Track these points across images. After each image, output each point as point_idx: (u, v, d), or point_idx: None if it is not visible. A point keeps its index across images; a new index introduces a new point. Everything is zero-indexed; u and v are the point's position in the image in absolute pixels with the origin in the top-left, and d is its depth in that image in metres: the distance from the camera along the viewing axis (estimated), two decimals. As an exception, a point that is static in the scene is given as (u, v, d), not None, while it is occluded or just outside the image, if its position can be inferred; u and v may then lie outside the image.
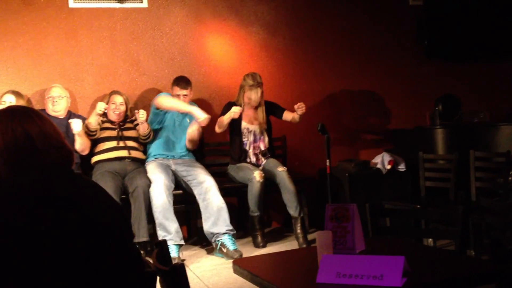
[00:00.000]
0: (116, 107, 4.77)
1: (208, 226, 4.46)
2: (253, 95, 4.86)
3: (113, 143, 4.69)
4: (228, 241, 4.39)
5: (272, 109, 5.08)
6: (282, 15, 5.59)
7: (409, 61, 5.90)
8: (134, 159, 4.70)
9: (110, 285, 1.53)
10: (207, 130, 4.96)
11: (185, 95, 4.78)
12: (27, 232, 1.46)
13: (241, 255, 4.32)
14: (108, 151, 4.65)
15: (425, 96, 5.82)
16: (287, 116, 5.00)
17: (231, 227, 4.47)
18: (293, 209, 4.72)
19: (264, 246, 4.69)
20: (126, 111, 4.86)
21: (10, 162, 1.58)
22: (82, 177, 1.71)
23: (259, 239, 4.71)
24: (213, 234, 4.45)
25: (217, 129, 4.91)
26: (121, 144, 4.69)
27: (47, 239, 1.47)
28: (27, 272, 1.44)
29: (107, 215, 1.62)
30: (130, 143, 4.74)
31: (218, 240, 4.43)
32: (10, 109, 1.67)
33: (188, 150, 4.90)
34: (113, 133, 4.73)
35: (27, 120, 1.62)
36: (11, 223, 1.47)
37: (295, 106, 4.84)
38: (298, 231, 4.70)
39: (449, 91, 5.59)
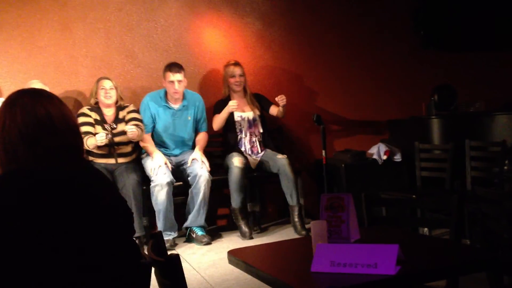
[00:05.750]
0: (106, 91, 4.65)
1: (189, 217, 4.59)
2: (235, 69, 4.94)
3: (103, 150, 4.56)
4: (197, 229, 4.57)
5: (260, 101, 5.10)
6: (277, 6, 5.57)
7: (405, 51, 5.89)
8: (120, 155, 4.63)
9: (106, 275, 1.54)
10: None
11: (179, 80, 4.69)
12: (39, 212, 1.48)
13: (209, 239, 4.52)
14: (99, 157, 4.59)
15: (421, 86, 5.81)
16: (273, 110, 5.02)
17: (204, 224, 4.63)
18: (291, 197, 4.73)
19: (251, 236, 4.66)
20: (117, 99, 4.73)
21: (29, 139, 1.58)
22: (93, 166, 1.72)
23: (244, 228, 4.68)
24: (187, 228, 4.65)
25: (215, 127, 4.93)
26: (111, 151, 4.58)
27: (57, 220, 1.49)
28: (35, 252, 1.46)
29: (115, 204, 1.63)
30: (121, 149, 4.63)
31: (188, 229, 4.64)
32: (34, 91, 1.71)
33: (191, 143, 4.92)
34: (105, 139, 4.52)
35: (49, 102, 1.66)
36: (24, 204, 1.48)
37: (276, 98, 4.84)
38: (296, 219, 4.71)
39: (445, 81, 5.58)
